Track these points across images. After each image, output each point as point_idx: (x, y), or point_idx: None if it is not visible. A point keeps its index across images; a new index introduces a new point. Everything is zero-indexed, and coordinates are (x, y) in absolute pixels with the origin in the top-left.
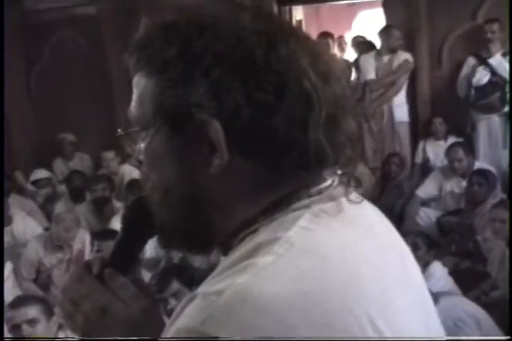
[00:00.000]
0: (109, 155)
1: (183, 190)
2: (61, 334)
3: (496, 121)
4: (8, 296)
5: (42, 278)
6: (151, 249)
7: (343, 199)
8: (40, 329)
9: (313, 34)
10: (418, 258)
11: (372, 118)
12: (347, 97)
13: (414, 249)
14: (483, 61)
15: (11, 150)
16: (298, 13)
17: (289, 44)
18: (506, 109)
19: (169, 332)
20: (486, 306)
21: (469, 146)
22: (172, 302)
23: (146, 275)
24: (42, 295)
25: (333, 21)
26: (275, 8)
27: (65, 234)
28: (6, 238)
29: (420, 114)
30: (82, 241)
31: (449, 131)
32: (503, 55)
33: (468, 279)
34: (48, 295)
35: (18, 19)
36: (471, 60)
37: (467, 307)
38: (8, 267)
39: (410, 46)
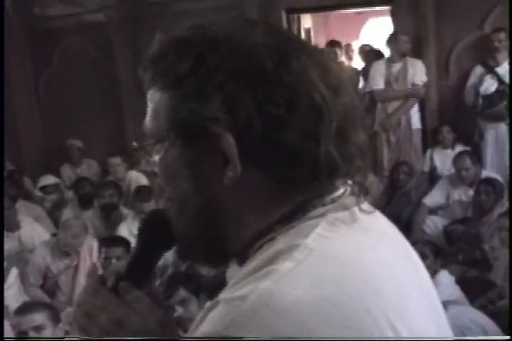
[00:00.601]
0: (116, 161)
1: (198, 202)
2: None
3: (503, 129)
4: (14, 302)
5: (49, 284)
6: None
7: (356, 209)
8: (47, 336)
9: (322, 42)
10: (425, 267)
11: (390, 128)
12: (356, 108)
13: (421, 257)
14: (490, 70)
15: (18, 156)
16: (306, 21)
17: (300, 58)
18: None
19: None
20: (493, 315)
21: (477, 155)
22: (179, 309)
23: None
24: (49, 302)
25: (341, 29)
26: (284, 17)
27: (73, 240)
28: (13, 244)
29: (428, 122)
30: (90, 248)
31: (457, 139)
32: (511, 63)
33: (475, 288)
34: (55, 301)
35: (27, 25)
36: (478, 69)
37: (473, 316)
38: (13, 273)
39: (418, 55)
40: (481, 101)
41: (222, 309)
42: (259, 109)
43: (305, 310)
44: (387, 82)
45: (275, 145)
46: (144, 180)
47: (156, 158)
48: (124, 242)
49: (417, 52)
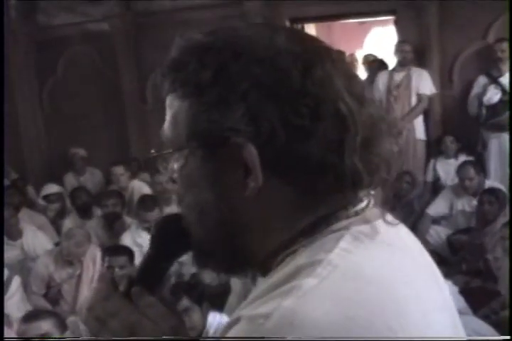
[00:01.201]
0: (119, 170)
1: (218, 212)
2: None
3: (506, 139)
4: (17, 311)
5: (52, 293)
6: None
7: (380, 221)
8: None
9: None
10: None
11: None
12: (383, 119)
13: None
14: (494, 80)
15: (22, 164)
16: (310, 31)
17: (324, 66)
18: None
19: None
20: (496, 325)
21: (480, 165)
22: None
23: None
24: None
25: (344, 39)
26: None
27: (76, 249)
28: (15, 252)
29: (431, 132)
30: (93, 257)
31: (460, 149)
32: (510, 74)
33: (479, 298)
34: (58, 310)
35: (31, 34)
36: (481, 79)
37: (477, 326)
38: (16, 281)
39: (422, 65)
40: (484, 111)
41: (245, 326)
42: (283, 120)
43: (329, 329)
44: (388, 90)
45: (298, 156)
46: (146, 189)
47: (175, 165)
48: (127, 251)
49: (421, 62)
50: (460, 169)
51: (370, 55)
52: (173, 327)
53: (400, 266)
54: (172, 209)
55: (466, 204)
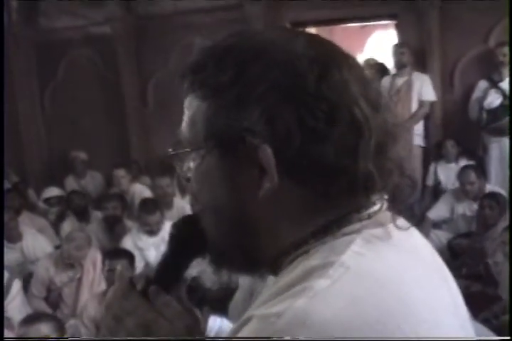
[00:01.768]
0: (121, 172)
1: (233, 212)
2: None
3: (507, 144)
4: (18, 314)
5: (52, 296)
6: None
7: (392, 225)
8: None
9: None
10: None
11: None
12: (398, 125)
13: None
14: (494, 84)
15: (23, 167)
16: None
17: (341, 71)
18: None
19: None
20: (496, 329)
21: (481, 169)
22: None
23: None
24: (52, 313)
25: (346, 43)
26: None
27: (76, 252)
28: (16, 255)
29: (432, 136)
30: (94, 260)
31: (461, 153)
32: (510, 78)
33: (479, 302)
34: (58, 313)
35: (33, 37)
36: (482, 83)
37: (477, 330)
38: (17, 284)
39: (422, 69)
40: (485, 115)
41: (257, 325)
42: (299, 122)
43: (340, 329)
44: (388, 95)
45: (312, 158)
46: (147, 193)
47: (191, 165)
48: (128, 255)
49: (422, 66)
50: (461, 173)
51: (371, 59)
52: (188, 326)
53: (411, 269)
54: (173, 213)
55: (467, 208)
